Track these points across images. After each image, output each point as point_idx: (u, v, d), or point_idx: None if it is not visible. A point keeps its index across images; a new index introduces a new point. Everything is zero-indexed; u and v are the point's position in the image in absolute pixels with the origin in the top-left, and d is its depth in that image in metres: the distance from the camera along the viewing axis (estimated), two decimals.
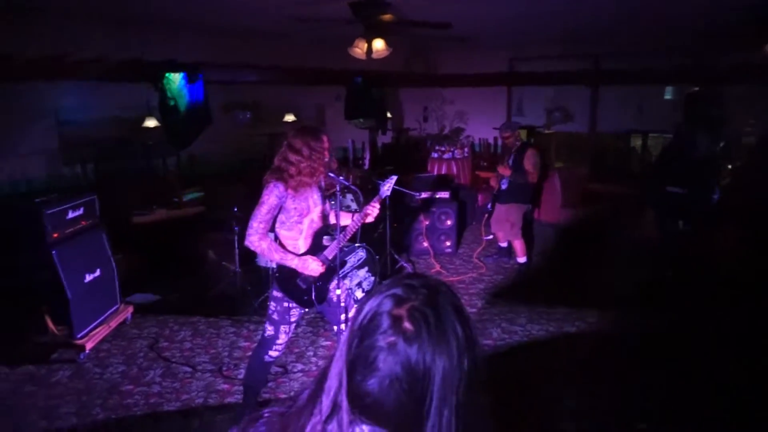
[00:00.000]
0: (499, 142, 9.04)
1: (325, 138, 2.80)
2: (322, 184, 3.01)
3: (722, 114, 7.10)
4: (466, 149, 8.88)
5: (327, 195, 3.05)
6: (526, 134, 8.53)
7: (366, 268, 4.72)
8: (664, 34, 7.45)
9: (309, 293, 2.90)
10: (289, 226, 2.84)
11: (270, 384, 3.56)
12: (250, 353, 3.29)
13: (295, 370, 3.80)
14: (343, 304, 2.98)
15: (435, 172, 8.22)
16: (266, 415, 0.94)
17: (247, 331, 4.41)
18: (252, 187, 3.09)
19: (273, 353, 2.96)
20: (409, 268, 5.95)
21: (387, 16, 5.62)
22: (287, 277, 2.87)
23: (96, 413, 3.29)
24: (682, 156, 6.00)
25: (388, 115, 9.45)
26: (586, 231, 7.23)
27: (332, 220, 3.03)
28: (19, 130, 5.92)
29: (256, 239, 2.73)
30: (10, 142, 5.83)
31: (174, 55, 6.63)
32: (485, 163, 9.17)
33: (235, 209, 4.91)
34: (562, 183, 7.52)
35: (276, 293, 2.92)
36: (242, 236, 3.57)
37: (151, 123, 6.61)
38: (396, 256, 5.86)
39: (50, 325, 3.96)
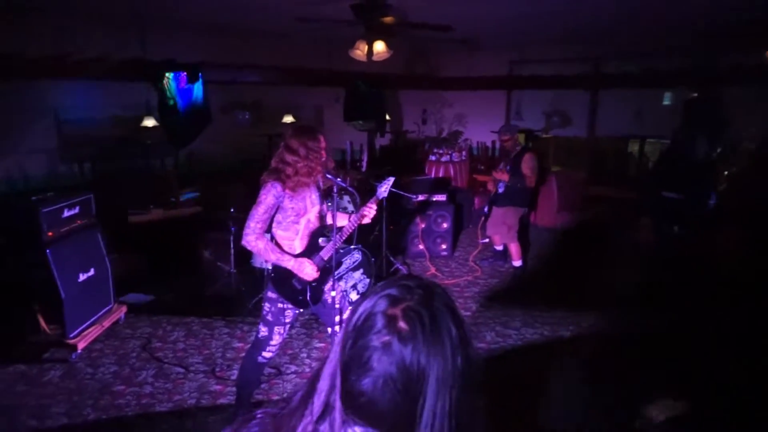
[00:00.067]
0: (497, 145, 9.07)
1: (321, 138, 2.80)
2: (321, 184, 3.00)
3: (720, 120, 7.12)
4: (464, 152, 8.88)
5: (324, 195, 3.04)
6: (524, 138, 8.54)
7: (361, 270, 4.71)
8: (664, 37, 7.47)
9: (304, 293, 2.90)
10: (285, 226, 2.83)
11: (263, 385, 3.54)
12: (243, 354, 3.28)
13: (289, 371, 3.79)
14: (337, 306, 2.97)
15: (432, 175, 8.22)
16: (259, 416, 0.94)
17: (240, 332, 4.39)
18: (250, 187, 3.08)
19: (266, 354, 2.95)
20: (404, 270, 5.94)
21: (388, 18, 5.63)
22: (282, 277, 2.86)
23: (87, 413, 3.27)
24: (679, 161, 6.01)
25: (387, 117, 9.46)
26: (583, 235, 7.24)
27: (329, 220, 3.03)
28: (18, 128, 5.92)
29: (253, 239, 2.72)
30: (9, 140, 5.83)
31: (174, 55, 6.63)
32: (483, 167, 9.17)
33: (232, 210, 4.90)
34: (559, 187, 7.52)
35: (270, 294, 2.91)
36: (238, 237, 3.57)
37: (149, 122, 6.61)
38: (392, 259, 5.85)
39: (43, 324, 3.94)
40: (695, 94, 7.97)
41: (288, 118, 8.23)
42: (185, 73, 6.62)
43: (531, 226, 7.14)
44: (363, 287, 4.69)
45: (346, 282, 4.61)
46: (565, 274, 5.96)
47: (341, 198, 5.70)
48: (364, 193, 5.04)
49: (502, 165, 5.65)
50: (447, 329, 0.79)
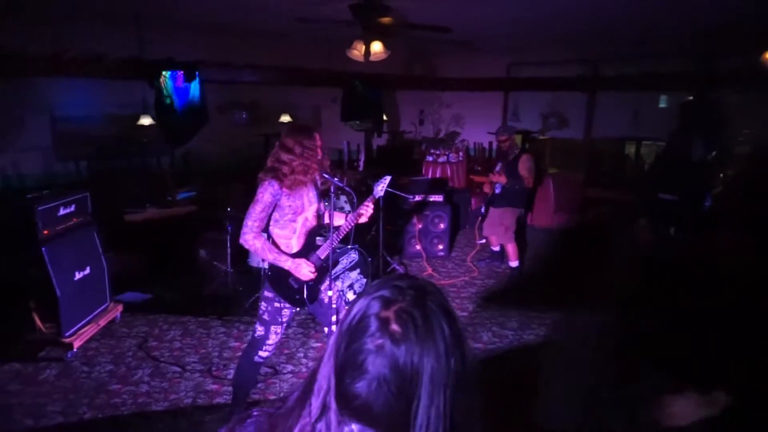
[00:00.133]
0: (494, 146, 9.09)
1: (317, 136, 2.80)
2: (319, 182, 3.01)
3: (716, 122, 7.15)
4: (461, 153, 8.90)
5: (322, 195, 3.04)
6: (521, 139, 8.56)
7: (358, 270, 4.71)
8: (661, 39, 7.49)
9: (301, 293, 2.90)
10: (282, 225, 2.83)
11: (260, 385, 3.54)
12: (240, 353, 3.28)
13: (285, 371, 3.79)
14: (334, 306, 2.97)
15: (429, 176, 8.23)
16: (254, 414, 0.94)
17: (237, 332, 4.39)
18: (247, 186, 3.08)
19: (263, 354, 2.94)
20: (401, 270, 5.94)
21: (386, 19, 5.63)
22: (279, 277, 2.86)
23: (83, 412, 3.26)
24: (675, 163, 6.04)
25: (384, 117, 9.46)
26: (579, 236, 7.25)
27: (326, 220, 3.03)
28: (13, 125, 5.89)
29: (250, 238, 2.72)
30: (4, 137, 5.80)
31: (172, 54, 6.61)
32: (480, 168, 9.19)
33: (229, 209, 4.89)
34: (555, 188, 7.55)
35: (267, 293, 2.91)
36: (234, 236, 3.57)
37: (146, 121, 6.59)
38: (388, 259, 5.86)
39: (38, 322, 3.93)
40: (691, 97, 8.00)
41: (285, 118, 8.23)
42: (182, 72, 6.60)
43: (528, 227, 7.16)
44: (360, 287, 4.69)
45: (342, 282, 4.61)
46: (561, 274, 5.96)
47: (338, 198, 5.71)
48: (361, 193, 5.05)
49: (499, 167, 5.66)
50: (440, 329, 0.79)
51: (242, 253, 4.92)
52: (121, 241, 5.19)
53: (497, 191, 5.71)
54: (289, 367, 3.83)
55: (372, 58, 5.92)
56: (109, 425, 3.18)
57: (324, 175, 2.91)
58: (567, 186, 7.79)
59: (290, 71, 8.29)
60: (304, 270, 2.79)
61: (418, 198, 6.39)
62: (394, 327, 0.78)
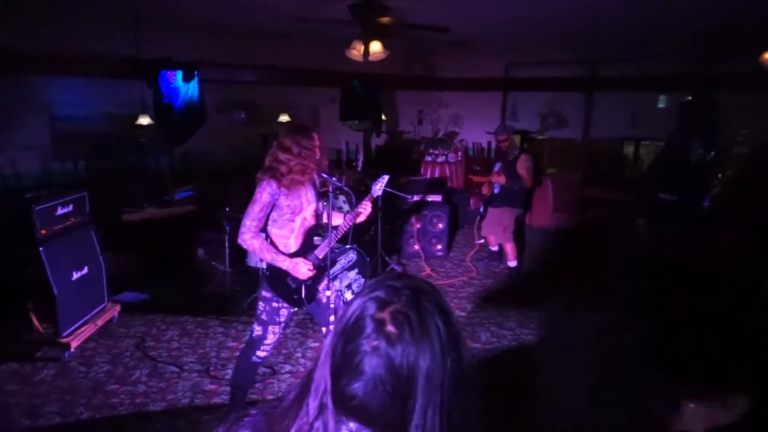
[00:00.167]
0: (493, 146, 9.08)
1: (315, 136, 2.79)
2: (317, 181, 3.00)
3: (714, 123, 7.16)
4: (459, 153, 8.90)
5: (320, 194, 3.04)
6: (519, 139, 8.57)
7: (356, 270, 4.71)
8: (659, 40, 7.50)
9: (299, 293, 2.89)
10: (281, 224, 2.83)
11: (258, 385, 3.53)
12: (238, 353, 3.27)
13: (283, 371, 3.78)
14: (332, 306, 2.97)
15: (428, 176, 8.23)
16: (252, 414, 0.94)
17: (235, 332, 4.38)
18: (246, 186, 3.08)
19: (261, 354, 2.94)
20: (399, 270, 5.94)
21: (385, 19, 5.63)
22: (277, 276, 2.85)
23: (80, 412, 3.25)
24: (673, 163, 6.04)
25: (383, 117, 9.46)
26: (578, 236, 7.24)
27: (324, 219, 3.02)
28: (11, 124, 5.88)
29: (248, 237, 2.72)
30: (2, 136, 5.79)
31: (170, 54, 6.61)
32: (478, 167, 9.19)
33: (227, 209, 4.89)
34: (554, 188, 7.55)
35: (265, 293, 2.90)
36: (233, 236, 3.56)
37: (144, 120, 6.57)
38: (387, 259, 5.85)
39: (35, 322, 3.92)
40: (689, 97, 8.01)
41: (284, 118, 8.22)
42: (181, 72, 6.59)
43: (526, 227, 7.16)
44: (358, 287, 4.69)
45: (340, 281, 4.61)
46: (560, 274, 5.97)
47: (337, 197, 5.70)
48: (360, 192, 5.04)
49: (497, 167, 5.66)
50: (436, 329, 0.79)
51: (240, 253, 4.91)
52: (119, 241, 5.18)
53: (496, 191, 5.71)
54: (287, 367, 3.83)
55: (371, 58, 5.92)
56: (107, 425, 3.17)
57: (322, 174, 2.91)
58: (565, 186, 7.79)
59: (289, 71, 8.28)
60: (302, 269, 2.79)
61: (416, 198, 6.39)
62: (390, 328, 0.78)
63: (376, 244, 5.60)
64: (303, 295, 2.89)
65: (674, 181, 5.90)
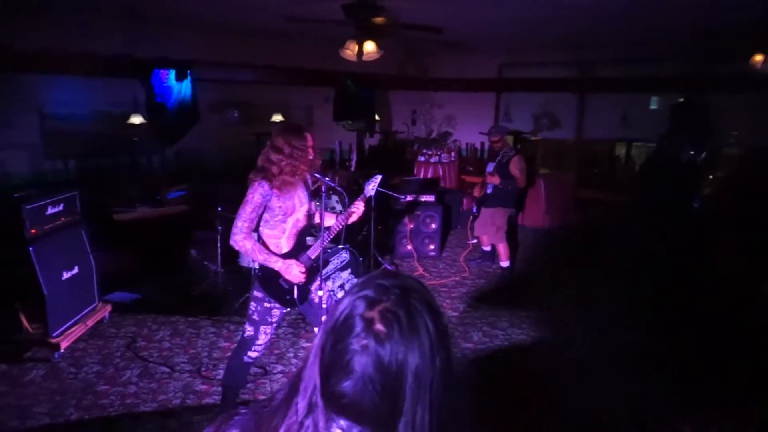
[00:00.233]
0: (486, 146, 9.11)
1: (308, 136, 2.78)
2: (310, 182, 2.99)
3: (705, 124, 7.21)
4: (453, 153, 8.91)
5: (312, 194, 3.03)
6: (513, 140, 8.60)
7: (349, 270, 4.70)
8: (652, 42, 7.55)
9: (291, 293, 2.88)
10: (272, 225, 2.82)
11: (249, 385, 3.52)
12: (229, 354, 3.25)
13: (275, 371, 3.77)
14: (324, 306, 2.96)
15: (421, 176, 8.24)
16: (241, 413, 0.94)
17: (227, 332, 4.36)
18: (239, 186, 3.07)
19: (252, 354, 2.93)
20: (391, 269, 5.94)
21: (379, 19, 5.63)
22: (269, 277, 2.84)
23: (70, 413, 3.22)
24: (665, 164, 6.09)
25: (377, 117, 9.46)
26: (570, 236, 7.30)
27: (317, 220, 3.01)
28: (1, 123, 5.83)
29: (240, 239, 2.70)
30: None
31: (163, 53, 6.57)
32: (471, 168, 9.21)
33: (220, 208, 4.87)
34: (547, 189, 7.58)
35: (257, 293, 2.89)
36: (225, 236, 3.55)
37: (137, 119, 6.54)
38: (380, 259, 5.85)
39: (25, 322, 3.88)
40: (681, 99, 8.07)
41: (277, 117, 8.20)
42: (174, 71, 6.56)
43: (519, 227, 7.18)
44: (350, 287, 4.68)
45: (333, 282, 4.59)
46: (552, 275, 6.00)
47: (329, 197, 5.69)
48: (353, 192, 5.03)
49: (491, 168, 5.67)
50: (425, 327, 0.79)
51: (232, 253, 4.89)
52: (110, 241, 5.15)
53: (489, 191, 5.73)
54: (279, 367, 3.82)
55: (365, 58, 5.92)
56: (97, 426, 3.14)
57: (315, 174, 2.89)
58: (558, 186, 7.82)
59: (283, 70, 8.27)
60: (295, 271, 2.78)
61: (409, 198, 6.39)
62: (379, 327, 0.78)
63: (369, 244, 5.60)
64: (295, 296, 2.88)
65: (666, 181, 5.95)
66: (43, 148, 6.22)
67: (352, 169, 7.90)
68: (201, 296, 4.99)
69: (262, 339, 2.91)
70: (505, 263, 5.83)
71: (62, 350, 3.86)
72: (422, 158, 8.67)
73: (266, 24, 6.86)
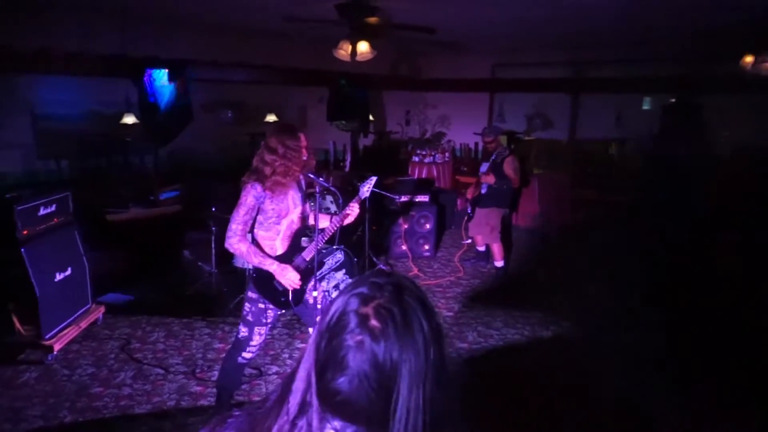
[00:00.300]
0: (480, 146, 9.13)
1: (302, 136, 2.77)
2: (303, 184, 2.98)
3: (698, 125, 7.26)
4: (447, 153, 8.93)
5: (307, 196, 3.02)
6: (506, 140, 8.62)
7: (344, 271, 4.70)
8: (645, 43, 7.59)
9: (286, 294, 2.88)
10: (266, 227, 2.81)
11: (244, 386, 3.52)
12: (224, 355, 3.25)
13: (270, 372, 3.77)
14: (319, 307, 2.96)
15: (416, 176, 8.25)
16: (235, 415, 0.94)
17: (222, 333, 4.35)
18: (233, 186, 3.06)
19: (247, 355, 2.92)
20: (387, 271, 5.94)
21: (373, 19, 5.63)
22: (264, 278, 2.83)
23: (63, 416, 3.21)
24: (659, 164, 6.13)
25: (371, 117, 9.46)
26: (564, 236, 7.33)
27: (311, 221, 3.01)
28: None
29: (235, 242, 2.70)
30: None
31: (157, 52, 6.54)
32: (465, 168, 9.22)
33: (214, 209, 4.85)
34: (541, 189, 7.60)
35: (251, 294, 2.88)
36: (219, 236, 3.54)
37: (130, 119, 6.50)
38: (374, 259, 5.85)
39: (17, 324, 3.86)
40: (673, 99, 8.13)
41: (271, 117, 8.19)
42: (167, 70, 6.53)
43: (513, 227, 7.20)
44: (344, 287, 4.68)
45: (328, 282, 4.59)
46: (546, 274, 6.03)
47: (324, 198, 5.69)
48: (348, 193, 5.03)
49: (486, 168, 5.69)
50: (419, 324, 0.80)
51: (227, 254, 4.86)
52: (103, 242, 5.12)
53: (483, 191, 5.74)
54: (274, 368, 3.81)
55: (358, 58, 5.92)
56: (91, 429, 3.13)
57: (309, 175, 2.89)
58: (552, 186, 7.85)
59: (277, 70, 8.25)
60: (290, 275, 2.76)
61: (404, 198, 6.40)
62: (374, 323, 0.78)
63: (363, 244, 5.60)
64: (290, 297, 2.88)
65: (660, 181, 6.00)
66: (36, 148, 6.17)
67: (347, 169, 7.90)
68: (195, 297, 4.97)
69: (257, 340, 2.90)
70: (499, 263, 5.85)
71: (55, 352, 3.84)
72: (416, 158, 8.68)
73: (260, 24, 6.85)
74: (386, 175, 7.04)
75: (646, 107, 8.86)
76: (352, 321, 0.79)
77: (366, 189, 3.01)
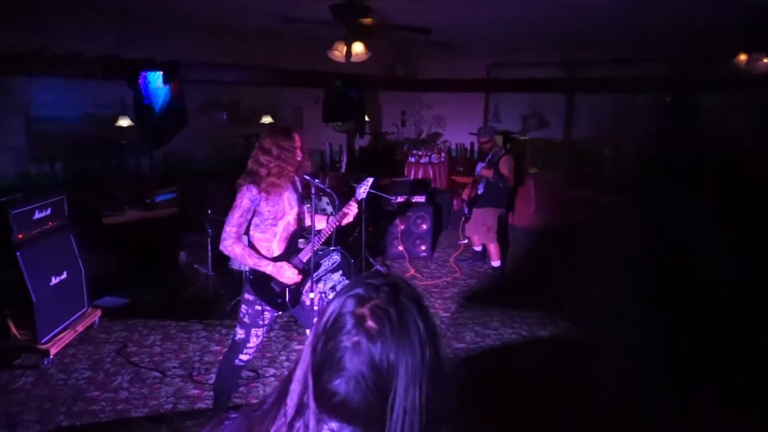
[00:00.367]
0: (476, 147, 9.14)
1: (296, 137, 2.76)
2: (299, 185, 2.98)
3: (693, 125, 7.29)
4: (443, 154, 8.94)
5: (303, 196, 3.02)
6: (502, 140, 8.64)
7: (340, 272, 4.70)
8: (640, 43, 7.62)
9: (283, 296, 2.87)
10: (263, 229, 2.81)
11: (242, 389, 3.51)
12: (221, 358, 3.24)
13: (268, 374, 3.76)
14: (316, 308, 2.96)
15: (412, 176, 8.26)
16: (232, 417, 0.94)
17: (218, 335, 4.34)
18: (228, 188, 3.06)
19: (244, 357, 2.92)
20: (384, 272, 5.94)
21: (368, 20, 5.63)
22: (261, 280, 2.83)
23: (60, 420, 3.19)
24: (654, 165, 6.16)
25: (366, 118, 9.45)
26: (559, 235, 7.35)
27: (307, 222, 3.01)
28: None
29: (229, 244, 2.69)
30: None
31: (152, 54, 6.52)
32: (461, 168, 9.24)
33: (210, 211, 4.84)
34: (536, 189, 7.62)
35: (248, 296, 2.88)
36: (215, 239, 3.53)
37: (124, 122, 6.48)
38: (371, 260, 5.85)
39: (13, 329, 3.84)
40: (668, 99, 8.16)
41: (266, 119, 8.17)
42: (162, 72, 6.51)
43: (509, 226, 7.22)
44: (340, 289, 4.67)
45: (324, 284, 4.60)
46: (543, 274, 6.04)
47: (320, 200, 5.68)
48: (344, 194, 5.03)
49: (485, 165, 5.70)
50: (415, 325, 0.80)
51: (223, 256, 4.85)
52: (99, 245, 5.10)
53: (480, 192, 5.75)
54: (272, 371, 3.80)
55: (353, 59, 5.91)
56: None
57: (304, 176, 2.89)
58: (548, 186, 7.87)
59: (272, 71, 8.24)
60: (287, 273, 2.77)
61: (400, 199, 6.40)
62: (370, 324, 0.79)
63: (360, 245, 5.60)
64: (287, 299, 2.88)
65: (656, 181, 6.02)
66: (29, 151, 6.13)
67: (343, 170, 7.89)
68: (192, 300, 4.96)
69: (254, 342, 2.90)
70: (496, 263, 5.86)
71: (52, 356, 3.83)
72: (412, 159, 8.69)
73: (255, 25, 6.84)
74: (382, 175, 7.04)
75: (641, 107, 8.89)
76: (349, 322, 0.80)
77: (362, 190, 3.02)
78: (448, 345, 4.23)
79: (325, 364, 0.79)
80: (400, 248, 6.39)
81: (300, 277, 2.84)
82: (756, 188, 6.26)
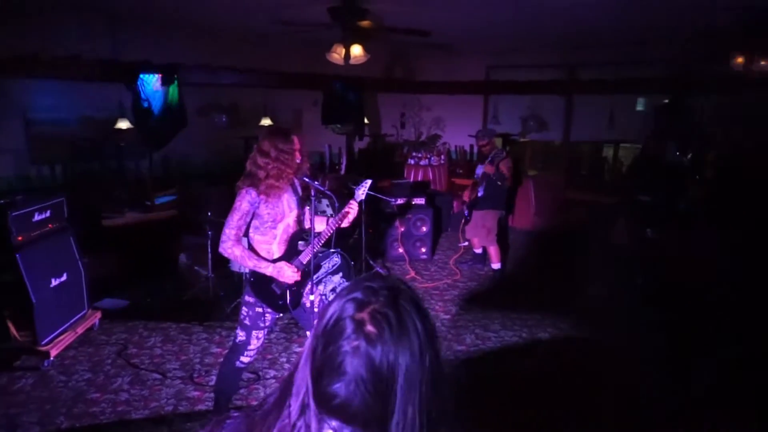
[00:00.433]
0: (475, 149, 9.15)
1: (295, 139, 2.76)
2: (299, 188, 2.98)
3: (690, 126, 7.31)
4: (442, 156, 8.95)
5: (303, 199, 3.02)
6: (501, 142, 8.65)
7: (340, 274, 4.70)
8: (639, 45, 7.63)
9: (284, 298, 2.88)
10: (262, 231, 2.81)
11: (242, 391, 3.51)
12: (222, 359, 3.24)
13: (268, 376, 3.76)
14: (316, 310, 2.96)
15: (411, 179, 8.26)
16: (233, 417, 0.95)
17: (219, 337, 4.34)
18: (228, 190, 3.06)
19: (244, 359, 2.92)
20: (384, 274, 5.94)
21: (366, 22, 5.65)
22: (261, 282, 2.83)
23: (60, 422, 3.19)
24: (651, 165, 6.17)
25: (365, 120, 9.47)
26: (560, 238, 7.35)
27: (307, 224, 3.01)
28: None
29: (228, 246, 2.69)
30: None
31: (149, 56, 6.53)
32: (461, 170, 9.25)
33: (209, 213, 4.84)
34: (536, 191, 7.63)
35: (248, 298, 2.88)
36: (215, 240, 3.53)
37: (123, 124, 6.48)
38: (371, 262, 5.85)
39: (13, 330, 3.83)
40: (666, 101, 8.18)
41: (265, 121, 8.18)
42: (160, 75, 6.52)
43: (509, 229, 7.22)
44: (339, 291, 4.67)
45: (325, 286, 4.60)
46: (543, 276, 6.04)
47: (320, 202, 5.69)
48: (343, 196, 5.04)
49: (480, 169, 5.71)
50: (414, 327, 0.81)
51: (223, 258, 4.86)
52: (99, 247, 5.10)
53: (480, 194, 5.76)
54: (272, 373, 3.80)
55: (352, 62, 5.92)
56: None
57: (304, 178, 2.89)
58: (547, 188, 7.88)
59: (271, 74, 8.25)
60: (287, 272, 2.77)
61: (400, 201, 6.40)
62: (370, 328, 0.79)
63: (360, 247, 5.60)
64: (288, 301, 2.88)
65: (652, 182, 6.03)
66: (29, 153, 6.14)
67: (342, 172, 7.90)
68: (192, 302, 4.96)
69: (254, 344, 2.90)
70: (496, 265, 5.86)
71: (52, 358, 3.82)
72: (412, 161, 8.70)
73: (254, 27, 6.85)
74: (382, 177, 7.05)
75: (639, 108, 8.91)
76: (349, 327, 0.80)
77: (361, 192, 3.02)
78: (448, 347, 4.23)
79: (325, 367, 0.80)
80: (400, 250, 6.39)
81: (300, 275, 2.84)
82: (756, 188, 6.27)
